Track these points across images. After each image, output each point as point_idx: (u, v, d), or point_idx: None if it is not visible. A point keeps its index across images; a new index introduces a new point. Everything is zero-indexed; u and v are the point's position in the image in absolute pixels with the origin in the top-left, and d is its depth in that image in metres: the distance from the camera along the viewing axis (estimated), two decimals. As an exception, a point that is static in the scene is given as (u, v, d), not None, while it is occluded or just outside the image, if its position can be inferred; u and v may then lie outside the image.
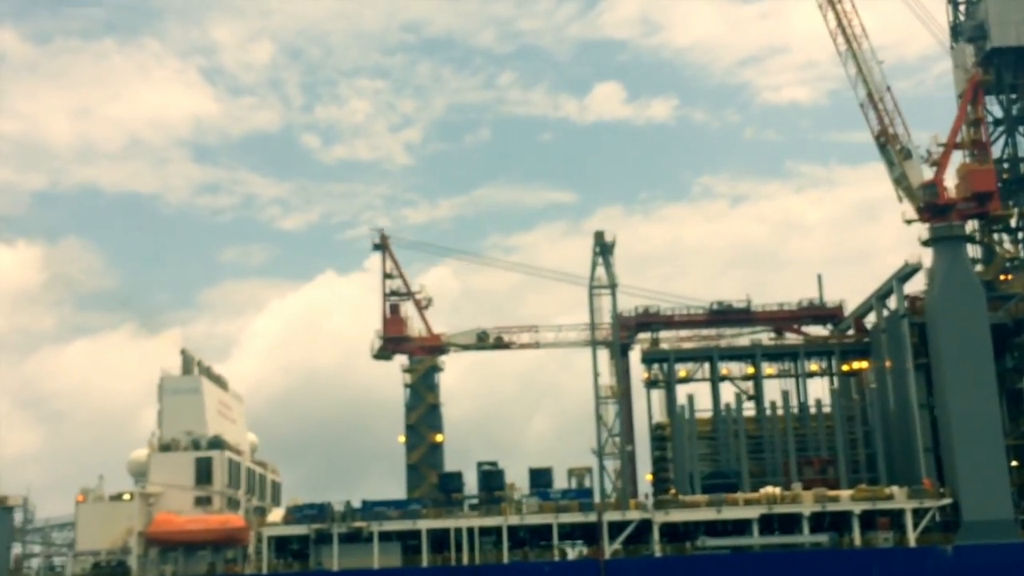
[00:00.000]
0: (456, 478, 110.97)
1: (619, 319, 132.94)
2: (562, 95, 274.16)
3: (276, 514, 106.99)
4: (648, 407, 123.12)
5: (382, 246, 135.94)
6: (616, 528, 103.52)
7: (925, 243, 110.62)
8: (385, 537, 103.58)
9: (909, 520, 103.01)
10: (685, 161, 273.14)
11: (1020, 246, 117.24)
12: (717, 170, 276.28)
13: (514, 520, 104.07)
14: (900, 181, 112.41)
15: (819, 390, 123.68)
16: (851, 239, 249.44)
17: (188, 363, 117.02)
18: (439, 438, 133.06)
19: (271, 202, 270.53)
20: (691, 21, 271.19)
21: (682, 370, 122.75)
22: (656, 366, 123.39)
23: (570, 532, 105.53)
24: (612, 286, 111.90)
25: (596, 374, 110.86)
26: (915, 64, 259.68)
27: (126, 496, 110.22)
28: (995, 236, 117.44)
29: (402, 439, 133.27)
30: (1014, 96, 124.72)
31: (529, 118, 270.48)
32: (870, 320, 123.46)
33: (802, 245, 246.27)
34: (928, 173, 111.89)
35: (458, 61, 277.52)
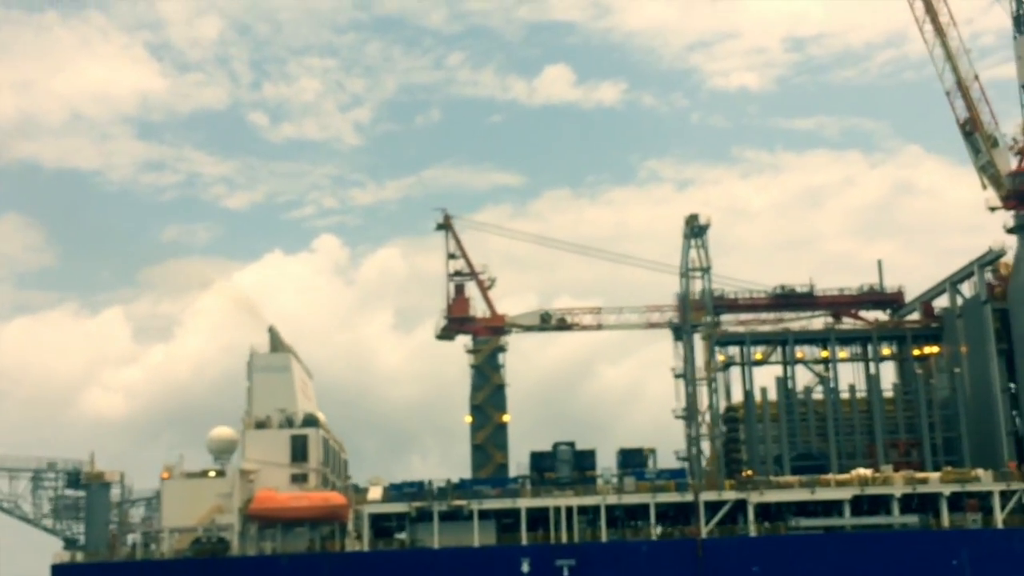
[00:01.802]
0: (549, 457, 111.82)
1: (683, 302, 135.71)
2: (511, 77, 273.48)
3: (375, 491, 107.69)
4: (710, 390, 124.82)
5: (446, 226, 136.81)
6: (711, 508, 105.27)
7: (1010, 230, 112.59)
8: (484, 515, 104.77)
9: (997, 502, 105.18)
10: (632, 145, 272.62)
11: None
12: (664, 154, 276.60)
13: (612, 500, 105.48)
14: (986, 169, 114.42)
15: (890, 374, 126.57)
16: (795, 225, 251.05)
17: (275, 340, 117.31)
18: (505, 418, 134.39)
19: (216, 180, 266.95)
20: (641, 5, 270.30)
21: (757, 353, 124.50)
22: (728, 348, 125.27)
23: (665, 511, 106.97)
24: (706, 268, 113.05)
25: (690, 359, 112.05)
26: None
27: (211, 473, 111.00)
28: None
29: (469, 419, 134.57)
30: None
31: (478, 99, 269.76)
32: (938, 304, 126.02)
33: (747, 230, 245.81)
34: (1014, 161, 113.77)
35: (408, 41, 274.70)
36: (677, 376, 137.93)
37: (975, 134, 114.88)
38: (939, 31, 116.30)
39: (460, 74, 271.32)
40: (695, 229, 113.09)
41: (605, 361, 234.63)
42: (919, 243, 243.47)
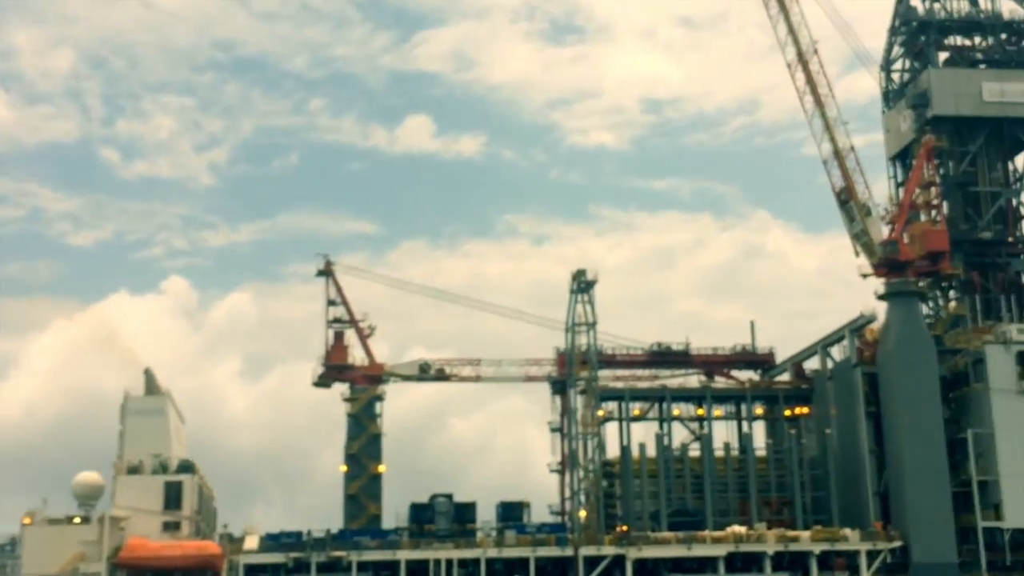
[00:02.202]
0: (429, 509, 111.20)
1: (561, 357, 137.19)
2: (372, 124, 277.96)
3: (251, 541, 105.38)
4: (587, 445, 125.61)
5: (327, 272, 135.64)
6: (590, 563, 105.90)
7: (881, 297, 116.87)
8: (363, 567, 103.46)
9: (863, 561, 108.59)
10: (491, 198, 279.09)
11: (964, 304, 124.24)
12: (522, 209, 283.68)
13: (493, 553, 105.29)
14: (859, 237, 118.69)
15: (761, 433, 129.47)
16: (645, 284, 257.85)
17: (151, 382, 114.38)
18: (381, 468, 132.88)
19: (61, 216, 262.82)
20: (505, 59, 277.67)
21: (635, 408, 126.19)
22: (608, 403, 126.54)
23: (544, 566, 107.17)
24: (591, 324, 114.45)
25: (574, 410, 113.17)
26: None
27: (76, 519, 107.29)
28: (942, 294, 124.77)
29: (344, 468, 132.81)
30: (951, 162, 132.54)
31: (338, 146, 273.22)
32: (809, 367, 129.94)
33: (600, 287, 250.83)
34: (885, 230, 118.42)
35: (269, 83, 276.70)
36: (553, 430, 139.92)
37: (850, 202, 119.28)
38: (818, 102, 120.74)
39: (320, 119, 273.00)
40: (582, 284, 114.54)
41: (480, 413, 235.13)
42: (765, 306, 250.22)
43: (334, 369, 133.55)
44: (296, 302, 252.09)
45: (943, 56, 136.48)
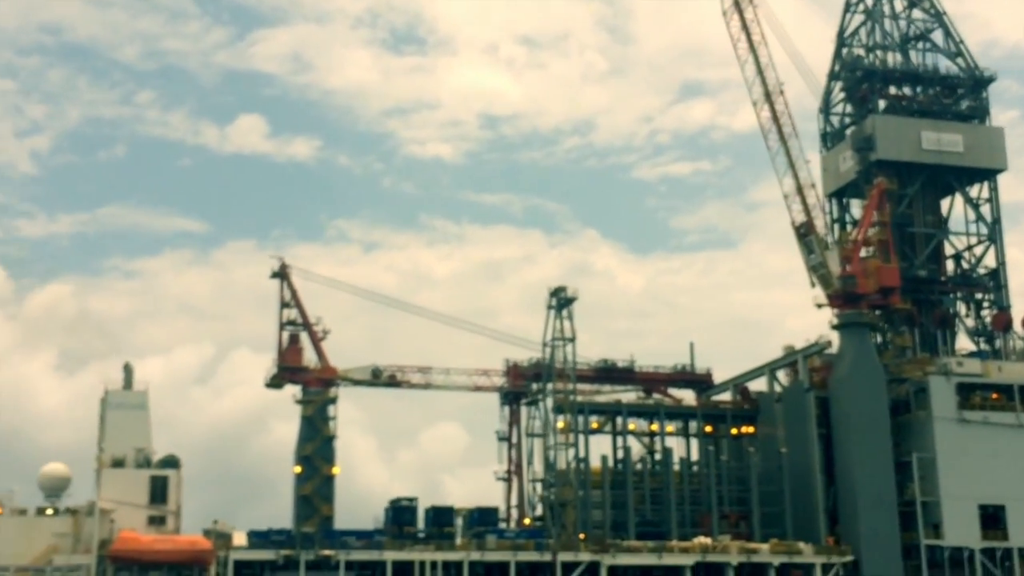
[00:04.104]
0: (409, 512, 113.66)
1: (513, 369, 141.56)
2: (203, 121, 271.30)
3: (239, 537, 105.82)
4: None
5: (281, 275, 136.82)
6: (567, 568, 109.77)
7: (835, 327, 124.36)
8: (350, 566, 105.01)
9: (819, 573, 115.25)
10: (322, 203, 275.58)
11: (907, 336, 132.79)
12: (353, 215, 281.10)
13: (475, 556, 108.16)
14: (817, 268, 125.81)
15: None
16: (475, 297, 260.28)
17: (130, 376, 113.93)
18: (335, 470, 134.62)
19: None
20: (343, 65, 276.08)
21: (594, 422, 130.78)
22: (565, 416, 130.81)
23: (523, 570, 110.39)
24: (571, 339, 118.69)
25: (550, 422, 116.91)
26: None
27: (49, 511, 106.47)
28: (890, 326, 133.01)
29: (298, 469, 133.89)
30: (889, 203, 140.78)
31: (167, 141, 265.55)
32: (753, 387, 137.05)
33: (429, 297, 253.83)
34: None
35: (96, 72, 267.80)
36: (501, 439, 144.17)
37: (810, 236, 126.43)
38: (782, 139, 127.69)
39: (149, 113, 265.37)
40: (561, 300, 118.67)
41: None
42: (591, 324, 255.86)
43: (287, 371, 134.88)
44: (115, 297, 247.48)
45: (882, 104, 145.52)
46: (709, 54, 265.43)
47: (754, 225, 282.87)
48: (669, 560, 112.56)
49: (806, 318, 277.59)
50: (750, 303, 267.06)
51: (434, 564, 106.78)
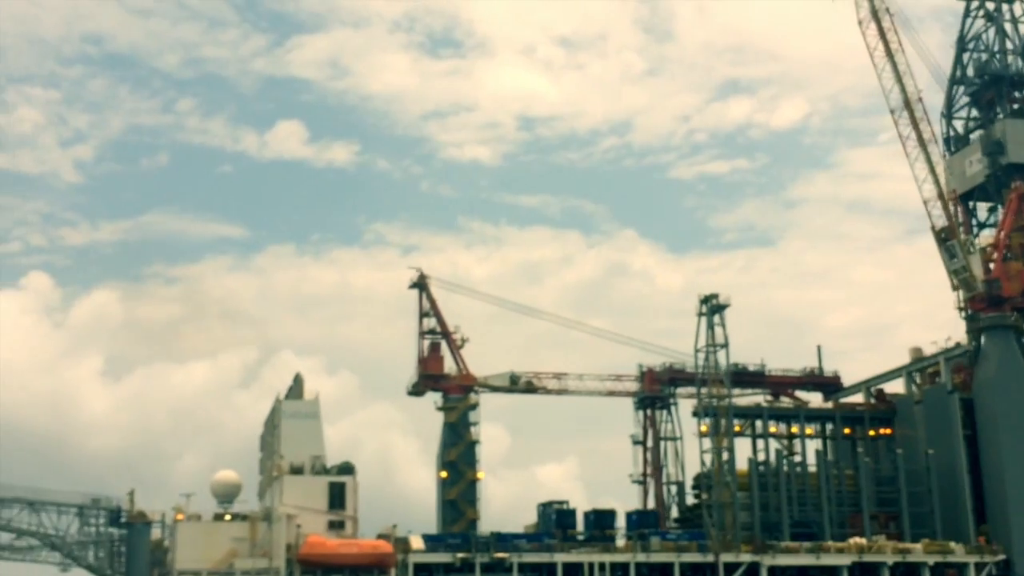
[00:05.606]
0: (571, 515, 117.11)
1: (648, 374, 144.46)
2: (243, 128, 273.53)
3: (415, 541, 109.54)
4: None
5: (420, 285, 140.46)
6: (728, 569, 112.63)
7: (982, 330, 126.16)
8: (523, 569, 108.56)
9: (972, 573, 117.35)
10: (361, 207, 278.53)
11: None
12: (392, 219, 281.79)
13: (641, 557, 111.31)
14: (959, 272, 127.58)
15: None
16: (512, 296, 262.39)
17: (299, 386, 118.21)
18: (480, 475, 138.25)
19: None
20: (380, 70, 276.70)
21: (737, 425, 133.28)
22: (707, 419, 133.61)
23: (685, 571, 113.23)
24: (722, 345, 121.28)
25: (715, 428, 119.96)
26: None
27: (227, 517, 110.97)
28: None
29: (444, 474, 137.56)
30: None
31: (207, 148, 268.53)
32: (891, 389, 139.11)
33: (466, 301, 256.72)
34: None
35: (138, 80, 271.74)
36: (636, 443, 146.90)
37: (951, 241, 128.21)
38: (922, 144, 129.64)
39: (190, 121, 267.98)
40: (713, 308, 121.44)
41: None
42: (629, 324, 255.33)
43: (429, 378, 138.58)
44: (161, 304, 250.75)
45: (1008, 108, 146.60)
46: (748, 51, 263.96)
47: (793, 223, 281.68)
48: (826, 560, 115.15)
49: (846, 315, 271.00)
50: (790, 301, 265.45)
51: (602, 565, 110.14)
